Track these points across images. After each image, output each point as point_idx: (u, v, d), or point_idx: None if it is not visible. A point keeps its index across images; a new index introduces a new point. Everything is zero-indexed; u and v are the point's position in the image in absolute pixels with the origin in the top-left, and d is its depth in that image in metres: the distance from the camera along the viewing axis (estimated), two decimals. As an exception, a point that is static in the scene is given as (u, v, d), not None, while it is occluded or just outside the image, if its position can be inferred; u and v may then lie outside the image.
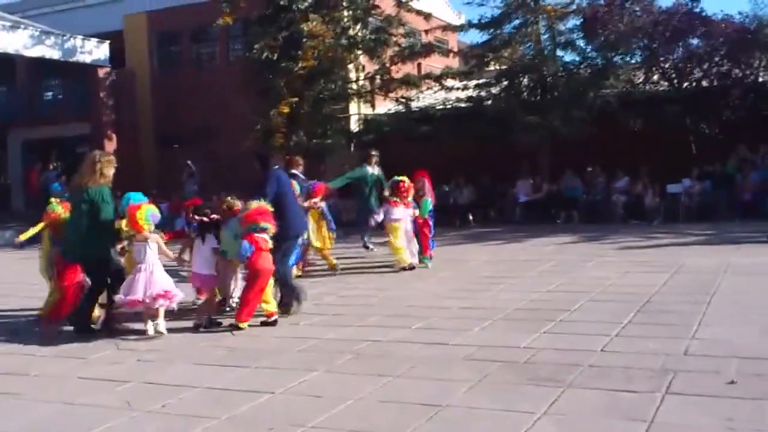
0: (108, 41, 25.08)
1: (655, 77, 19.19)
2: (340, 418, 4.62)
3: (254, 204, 7.64)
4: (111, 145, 24.49)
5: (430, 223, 11.45)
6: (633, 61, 19.38)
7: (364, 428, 4.40)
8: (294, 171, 10.95)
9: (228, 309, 8.14)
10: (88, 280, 7.76)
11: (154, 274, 7.18)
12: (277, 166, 8.52)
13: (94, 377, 5.92)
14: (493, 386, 5.12)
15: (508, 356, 5.83)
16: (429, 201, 11.36)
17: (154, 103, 25.66)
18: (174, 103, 24.47)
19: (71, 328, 7.61)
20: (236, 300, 8.05)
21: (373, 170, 12.72)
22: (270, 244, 7.57)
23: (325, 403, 4.90)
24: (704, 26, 17.84)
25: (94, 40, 24.71)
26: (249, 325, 7.40)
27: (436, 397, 4.90)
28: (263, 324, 7.46)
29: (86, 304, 7.62)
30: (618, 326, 6.66)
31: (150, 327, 7.17)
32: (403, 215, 10.91)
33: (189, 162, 22.29)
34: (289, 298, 8.04)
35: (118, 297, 7.21)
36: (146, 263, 7.19)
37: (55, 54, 23.77)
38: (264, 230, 7.48)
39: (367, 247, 12.88)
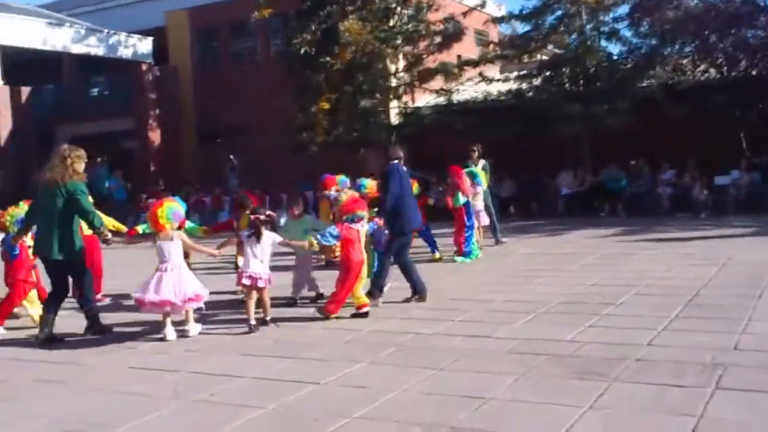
0: (151, 37, 25.44)
1: (703, 66, 18.82)
2: (385, 409, 4.63)
3: (346, 194, 7.72)
4: (155, 140, 24.87)
5: (465, 218, 11.35)
6: (681, 49, 19.02)
7: (410, 419, 4.40)
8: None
9: (297, 300, 8.37)
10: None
11: (182, 276, 6.88)
12: (396, 160, 8.31)
13: (142, 367, 6.03)
14: (538, 380, 5.08)
15: (553, 350, 5.79)
16: (459, 194, 11.30)
17: (195, 98, 25.96)
18: (215, 98, 24.73)
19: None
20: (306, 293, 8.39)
21: (476, 166, 12.43)
22: (367, 233, 7.64)
23: (370, 394, 4.92)
24: (765, 16, 17.48)
25: (136, 37, 25.10)
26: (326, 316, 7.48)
27: (480, 389, 4.88)
28: (354, 316, 7.44)
29: (52, 311, 7.18)
30: (665, 320, 6.56)
31: (169, 330, 6.87)
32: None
33: (231, 156, 22.55)
34: (420, 286, 8.12)
35: (149, 296, 6.76)
36: (170, 263, 6.88)
37: (99, 50, 24.21)
38: (361, 219, 7.53)
39: (499, 242, 12.67)
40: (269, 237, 7.35)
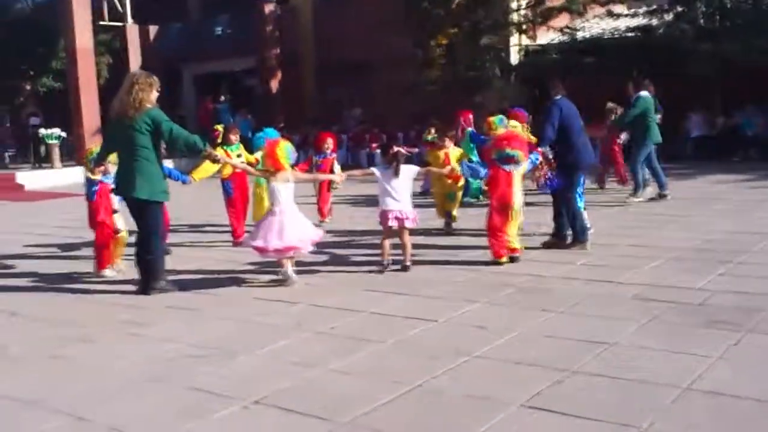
0: (273, -24, 25.68)
1: None
2: (504, 349, 4.60)
3: (503, 129, 7.34)
4: (276, 79, 25.33)
5: None
6: None
7: (530, 361, 4.35)
8: None
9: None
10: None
11: (299, 218, 6.63)
12: (559, 96, 7.84)
13: (267, 298, 6.24)
14: (665, 327, 4.90)
15: (681, 297, 5.56)
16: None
17: (316, 36, 26.09)
18: (335, 37, 24.76)
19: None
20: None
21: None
22: (518, 175, 7.05)
23: (488, 334, 4.90)
24: None
25: (259, -24, 25.37)
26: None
27: (602, 334, 4.76)
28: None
29: (156, 259, 6.56)
30: (805, 271, 6.18)
31: (289, 269, 6.58)
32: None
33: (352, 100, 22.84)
34: (582, 235, 7.62)
35: (273, 243, 6.43)
36: (283, 205, 6.54)
37: (223, -11, 24.72)
38: (511, 159, 6.94)
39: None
40: (409, 170, 6.95)
